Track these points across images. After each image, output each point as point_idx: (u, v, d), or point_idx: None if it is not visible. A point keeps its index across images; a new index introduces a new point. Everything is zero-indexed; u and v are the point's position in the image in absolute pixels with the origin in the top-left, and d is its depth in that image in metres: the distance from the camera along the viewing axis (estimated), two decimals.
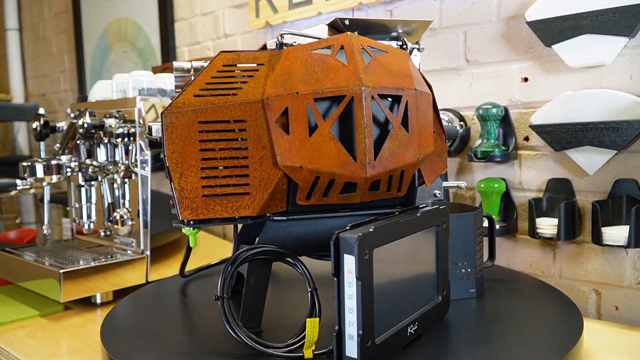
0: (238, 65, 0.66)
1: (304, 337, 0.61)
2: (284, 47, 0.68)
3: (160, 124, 0.67)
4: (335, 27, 0.73)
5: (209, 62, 0.67)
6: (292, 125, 0.63)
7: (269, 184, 0.65)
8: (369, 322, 0.54)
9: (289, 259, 0.66)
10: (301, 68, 0.64)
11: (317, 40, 0.68)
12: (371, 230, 0.55)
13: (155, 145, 0.70)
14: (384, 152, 0.65)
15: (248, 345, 0.60)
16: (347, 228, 0.56)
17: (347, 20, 0.72)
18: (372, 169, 0.64)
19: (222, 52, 0.66)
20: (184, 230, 0.71)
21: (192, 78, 0.68)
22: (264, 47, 0.71)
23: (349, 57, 0.65)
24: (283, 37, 0.68)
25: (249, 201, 0.65)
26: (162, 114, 0.64)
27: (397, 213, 0.68)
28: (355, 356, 0.54)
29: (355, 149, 0.64)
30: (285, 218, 0.68)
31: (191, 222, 0.65)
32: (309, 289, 0.63)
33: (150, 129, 0.71)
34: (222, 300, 0.62)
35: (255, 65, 0.66)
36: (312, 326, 0.58)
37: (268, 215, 0.67)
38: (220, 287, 0.63)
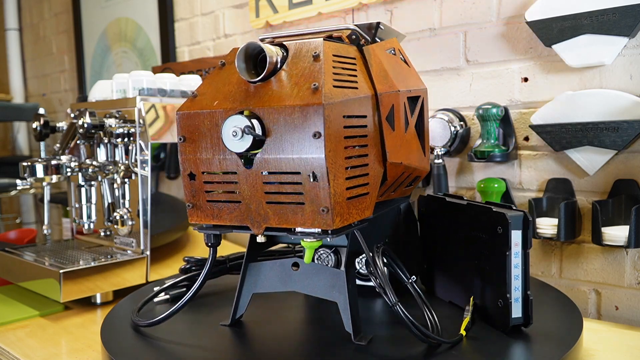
0: (343, 56, 0.63)
1: (435, 324, 0.64)
2: (363, 45, 0.68)
3: (242, 118, 0.57)
4: (361, 28, 0.73)
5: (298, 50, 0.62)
6: (396, 122, 0.64)
7: (378, 182, 0.64)
8: (528, 285, 0.64)
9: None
10: (389, 67, 0.66)
11: (384, 40, 0.71)
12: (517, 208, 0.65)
13: (259, 144, 0.58)
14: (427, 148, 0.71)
15: (437, 341, 0.61)
16: (497, 210, 0.64)
17: (382, 26, 0.72)
18: (429, 163, 0.71)
19: (325, 40, 0.61)
20: (306, 243, 0.60)
21: (278, 65, 0.60)
22: (330, 37, 0.67)
23: (407, 60, 0.70)
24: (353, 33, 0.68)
25: (369, 202, 0.62)
26: (322, 105, 0.55)
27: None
28: (520, 315, 0.64)
29: (425, 145, 0.69)
30: (372, 217, 0.65)
31: (329, 232, 0.58)
32: (407, 282, 0.67)
33: (253, 125, 0.56)
34: (399, 306, 0.60)
35: (352, 58, 0.65)
36: (472, 305, 0.67)
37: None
38: (391, 294, 0.61)
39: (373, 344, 0.63)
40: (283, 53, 0.61)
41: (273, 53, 0.59)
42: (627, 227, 0.84)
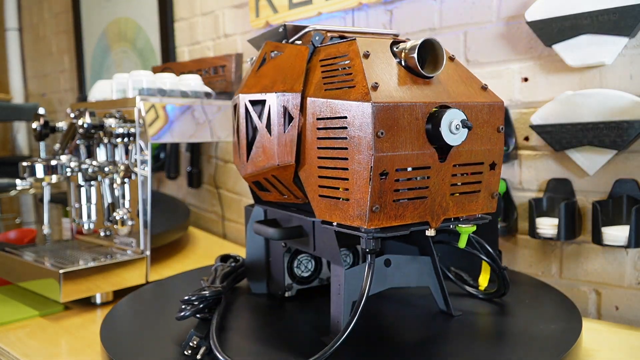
0: None
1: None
2: None
3: (458, 112, 0.59)
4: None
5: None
6: None
7: None
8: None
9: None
10: None
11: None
12: None
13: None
14: None
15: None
16: None
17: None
18: None
19: None
20: (464, 229, 0.65)
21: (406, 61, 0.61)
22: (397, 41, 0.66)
23: None
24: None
25: None
26: (504, 103, 0.64)
27: None
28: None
29: None
30: None
31: (478, 216, 0.66)
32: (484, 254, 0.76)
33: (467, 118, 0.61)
34: (506, 271, 0.75)
35: None
36: (486, 266, 0.78)
37: None
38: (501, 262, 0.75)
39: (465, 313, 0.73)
40: None
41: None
42: (628, 227, 0.84)
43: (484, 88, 0.64)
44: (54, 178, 1.05)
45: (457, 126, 0.58)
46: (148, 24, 1.84)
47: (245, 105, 0.70)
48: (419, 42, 0.59)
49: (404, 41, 0.65)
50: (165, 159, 1.71)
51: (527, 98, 0.99)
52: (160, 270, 1.11)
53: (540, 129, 0.94)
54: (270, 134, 0.66)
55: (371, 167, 0.55)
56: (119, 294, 0.97)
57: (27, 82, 2.59)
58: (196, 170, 1.64)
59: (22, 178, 1.06)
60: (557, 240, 0.92)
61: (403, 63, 0.61)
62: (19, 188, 1.12)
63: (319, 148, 0.60)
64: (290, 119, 0.64)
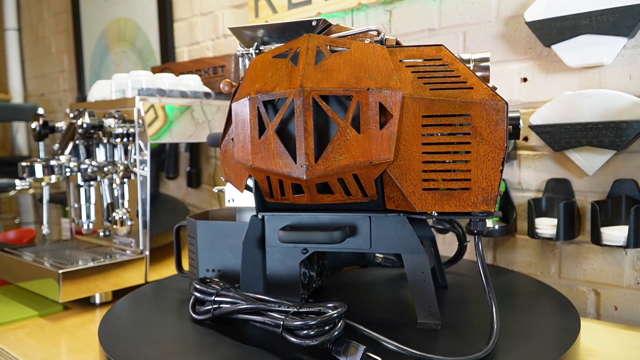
0: None
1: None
2: None
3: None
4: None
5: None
6: None
7: None
8: None
9: None
10: None
11: None
12: None
13: None
14: None
15: None
16: None
17: None
18: None
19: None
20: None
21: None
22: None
23: None
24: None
25: None
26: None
27: None
28: None
29: None
30: None
31: None
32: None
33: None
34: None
35: None
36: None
37: None
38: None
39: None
40: None
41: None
42: (626, 227, 0.84)
43: (494, 88, 0.71)
44: (53, 178, 1.05)
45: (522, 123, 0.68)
46: (147, 24, 1.84)
47: (314, 101, 0.63)
48: (488, 54, 0.69)
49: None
50: (165, 159, 1.70)
51: (527, 98, 0.99)
52: (159, 270, 1.11)
53: (539, 129, 0.94)
54: (359, 131, 0.63)
55: (503, 157, 0.62)
56: (118, 294, 0.97)
57: (27, 82, 2.59)
58: (195, 170, 1.64)
59: (22, 178, 1.06)
60: (556, 241, 0.92)
61: (471, 69, 0.67)
62: (18, 188, 1.12)
63: (424, 144, 0.63)
64: (386, 115, 0.63)
